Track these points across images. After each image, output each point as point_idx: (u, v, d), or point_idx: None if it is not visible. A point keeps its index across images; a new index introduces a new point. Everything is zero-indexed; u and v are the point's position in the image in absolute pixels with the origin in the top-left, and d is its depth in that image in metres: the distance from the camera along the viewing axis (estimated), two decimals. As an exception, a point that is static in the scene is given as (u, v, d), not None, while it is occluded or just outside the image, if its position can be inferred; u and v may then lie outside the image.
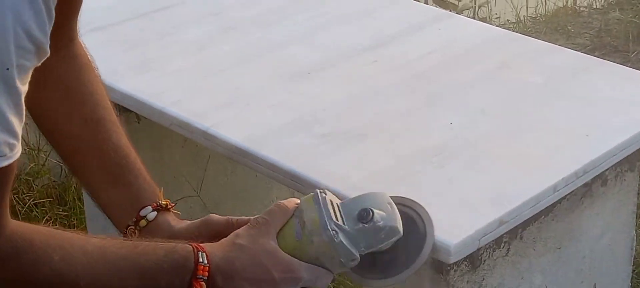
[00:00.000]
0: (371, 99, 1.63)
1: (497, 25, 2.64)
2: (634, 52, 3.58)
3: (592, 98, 1.62)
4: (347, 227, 1.17)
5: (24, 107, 0.97)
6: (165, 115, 1.63)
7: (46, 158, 2.51)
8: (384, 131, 1.54)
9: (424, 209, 1.25)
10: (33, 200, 2.43)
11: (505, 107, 1.60)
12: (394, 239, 1.19)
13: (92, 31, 1.90)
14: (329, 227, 1.16)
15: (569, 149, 1.47)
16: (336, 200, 1.20)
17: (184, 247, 1.13)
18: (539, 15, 4.00)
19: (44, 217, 2.39)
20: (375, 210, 1.18)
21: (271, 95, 1.66)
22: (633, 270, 1.76)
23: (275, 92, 1.67)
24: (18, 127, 0.97)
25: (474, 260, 1.35)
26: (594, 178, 1.49)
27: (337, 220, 1.17)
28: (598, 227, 1.57)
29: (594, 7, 4.06)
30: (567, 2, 4.08)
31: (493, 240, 1.35)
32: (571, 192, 1.45)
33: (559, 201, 1.44)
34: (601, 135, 1.50)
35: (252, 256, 1.14)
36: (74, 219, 2.39)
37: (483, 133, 1.52)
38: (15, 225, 1.03)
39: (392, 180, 1.40)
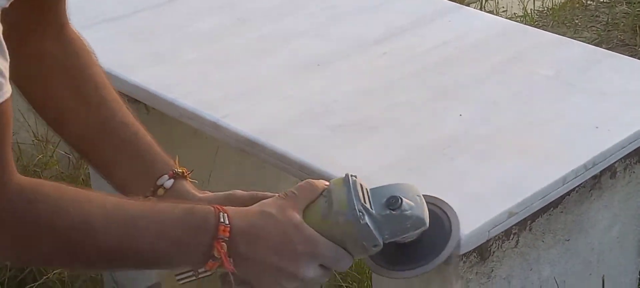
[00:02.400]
0: (382, 91, 1.64)
1: (504, 19, 2.65)
2: (641, 46, 3.58)
3: (602, 91, 1.62)
4: (374, 211, 1.17)
5: (4, 46, 0.95)
6: (175, 107, 1.64)
7: (54, 150, 2.51)
8: (394, 123, 1.55)
9: (452, 209, 1.24)
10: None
11: (516, 99, 1.61)
12: (419, 231, 1.19)
13: (102, 22, 1.91)
14: (356, 208, 1.15)
15: (579, 141, 1.48)
16: (366, 185, 1.20)
17: (204, 207, 1.12)
18: (545, 8, 4.00)
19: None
20: (404, 199, 1.18)
21: (282, 87, 1.67)
22: (641, 263, 1.77)
23: (286, 84, 1.68)
24: (3, 66, 0.95)
25: (483, 251, 1.36)
26: (603, 170, 1.50)
27: (365, 203, 1.17)
28: (607, 219, 1.58)
29: (601, 0, 4.06)
30: (574, -6, 4.07)
31: (502, 232, 1.36)
32: (580, 184, 1.46)
33: (568, 193, 1.45)
34: (611, 128, 1.51)
35: (278, 226, 1.13)
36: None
37: (493, 125, 1.53)
38: (25, 179, 1.01)
39: (403, 172, 1.41)
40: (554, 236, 1.48)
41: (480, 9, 3.81)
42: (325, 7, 1.96)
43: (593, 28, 3.79)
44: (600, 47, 3.22)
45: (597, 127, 1.51)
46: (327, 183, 1.20)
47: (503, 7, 3.99)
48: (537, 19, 3.88)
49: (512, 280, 1.42)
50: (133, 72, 1.72)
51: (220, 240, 1.10)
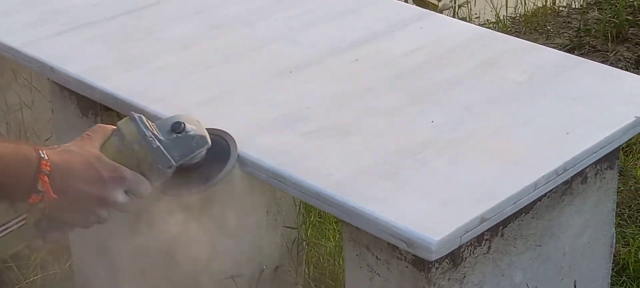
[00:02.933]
0: (355, 97, 1.64)
1: (477, 25, 2.66)
2: (613, 52, 3.62)
3: (573, 96, 1.63)
4: (162, 137, 1.34)
5: None
6: (147, 113, 1.63)
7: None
8: (367, 128, 1.55)
9: (230, 135, 1.44)
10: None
11: (488, 104, 1.62)
12: (204, 149, 1.37)
13: (77, 28, 1.90)
14: (147, 135, 1.32)
15: (550, 147, 1.49)
16: (150, 121, 1.36)
17: (27, 146, 1.26)
18: (518, 15, 4.03)
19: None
20: (186, 123, 1.36)
21: (255, 92, 1.67)
22: (612, 268, 1.78)
23: (259, 90, 1.68)
24: None
25: (455, 257, 1.36)
26: (574, 176, 1.51)
27: (154, 131, 1.34)
28: (578, 225, 1.59)
29: (573, 6, 4.09)
30: (546, 2, 4.10)
31: (474, 238, 1.36)
32: (552, 190, 1.46)
33: (540, 198, 1.46)
34: (581, 133, 1.52)
35: (82, 159, 1.27)
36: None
37: (466, 130, 1.53)
38: None
39: (375, 176, 1.41)
40: (526, 241, 1.49)
41: (454, 16, 3.83)
42: (299, 13, 1.96)
43: (565, 34, 3.82)
44: (573, 53, 3.25)
45: (568, 133, 1.52)
46: (116, 126, 1.35)
47: (476, 13, 4.01)
48: (510, 26, 3.90)
49: (484, 286, 1.43)
50: (105, 79, 1.71)
51: (43, 174, 1.22)
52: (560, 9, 4.08)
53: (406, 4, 2.44)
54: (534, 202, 1.45)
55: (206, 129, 1.40)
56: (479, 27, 1.99)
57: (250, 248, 2.06)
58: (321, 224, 2.42)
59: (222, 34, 1.89)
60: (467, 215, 1.32)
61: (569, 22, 3.94)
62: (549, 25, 3.89)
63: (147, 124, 1.34)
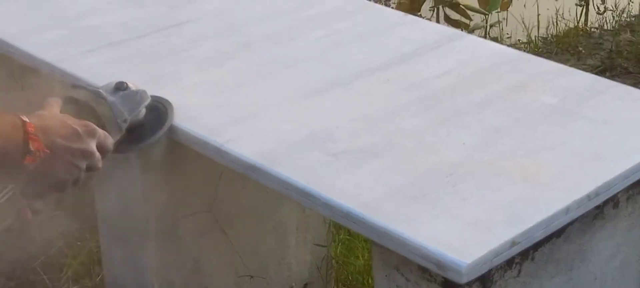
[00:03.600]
0: (385, 117, 1.64)
1: (508, 45, 2.65)
2: (645, 74, 3.59)
3: (605, 119, 1.62)
4: (112, 97, 1.51)
5: None
6: (179, 131, 1.65)
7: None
8: (397, 149, 1.54)
9: (168, 100, 1.64)
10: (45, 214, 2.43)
11: (519, 127, 1.61)
12: (146, 103, 1.57)
13: (106, 46, 1.92)
14: (101, 93, 1.49)
15: (582, 171, 1.48)
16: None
17: (8, 114, 1.32)
18: (549, 35, 4.01)
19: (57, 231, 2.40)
20: (127, 82, 1.54)
21: (285, 111, 1.67)
22: (643, 293, 1.76)
23: (290, 109, 1.68)
24: None
25: (485, 280, 1.35)
26: (606, 200, 1.49)
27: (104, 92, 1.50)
28: (609, 249, 1.57)
29: (605, 28, 4.07)
30: (578, 22, 4.08)
31: (505, 261, 1.35)
32: (583, 214, 1.45)
33: (571, 223, 1.45)
34: (614, 157, 1.51)
35: (56, 118, 1.38)
36: (87, 233, 2.40)
37: (496, 153, 1.53)
38: None
39: (405, 197, 1.41)
40: (557, 265, 1.47)
41: (485, 36, 3.82)
42: (329, 33, 1.97)
43: (597, 55, 3.80)
44: (604, 74, 3.23)
45: (600, 157, 1.51)
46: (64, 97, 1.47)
47: (508, 33, 4.00)
48: (542, 46, 3.89)
49: (514, 309, 1.42)
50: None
51: (31, 135, 1.30)
52: (592, 30, 4.06)
53: (437, 24, 2.45)
54: (566, 226, 1.44)
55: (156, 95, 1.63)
56: (510, 48, 1.98)
57: (279, 266, 2.06)
58: (351, 242, 2.41)
59: (253, 53, 1.89)
60: (498, 239, 1.32)
61: (600, 44, 3.92)
62: (581, 47, 3.87)
63: (94, 86, 1.52)
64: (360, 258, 2.37)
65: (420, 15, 3.61)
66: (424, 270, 1.34)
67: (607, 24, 4.09)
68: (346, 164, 1.51)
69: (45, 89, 1.57)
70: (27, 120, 1.31)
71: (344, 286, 2.29)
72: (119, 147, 1.52)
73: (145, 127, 1.60)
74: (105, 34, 1.97)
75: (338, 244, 2.35)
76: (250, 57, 1.88)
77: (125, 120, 1.52)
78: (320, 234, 2.13)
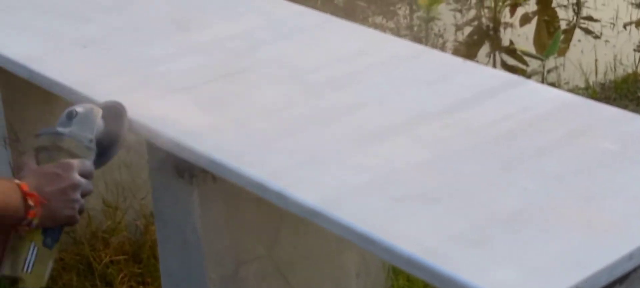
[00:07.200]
0: (445, 163, 1.65)
1: (566, 91, 2.65)
2: None
3: (668, 166, 1.61)
4: (68, 128, 1.62)
5: None
6: (241, 175, 1.67)
7: (123, 216, 2.56)
8: (458, 195, 1.55)
9: (112, 100, 1.79)
10: (109, 257, 2.47)
11: (579, 173, 1.61)
12: (100, 116, 1.69)
13: (171, 93, 1.95)
14: (59, 131, 1.62)
15: (645, 217, 1.47)
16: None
17: (5, 179, 1.52)
18: (607, 80, 3.99)
19: (119, 274, 2.44)
20: (75, 108, 1.66)
21: (346, 156, 1.69)
22: None
23: (350, 154, 1.70)
24: None
25: (547, 326, 1.35)
26: (670, 246, 1.48)
27: (61, 128, 1.62)
28: (673, 296, 1.56)
29: (665, 73, 4.03)
30: (636, 68, 4.05)
31: (567, 307, 1.35)
32: (646, 261, 1.44)
33: (635, 269, 1.44)
34: (677, 204, 1.50)
35: (35, 173, 1.54)
36: (148, 277, 2.43)
37: (557, 199, 1.53)
38: None
39: (465, 243, 1.41)
40: (619, 312, 1.46)
41: (542, 81, 3.81)
42: (388, 79, 1.98)
43: (656, 101, 3.76)
44: (664, 120, 3.18)
45: (663, 203, 1.50)
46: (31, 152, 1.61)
47: (565, 79, 3.99)
48: (600, 92, 3.86)
49: None
50: (201, 142, 1.76)
51: (27, 193, 1.49)
52: (651, 75, 4.03)
53: (495, 70, 2.45)
54: (629, 273, 1.43)
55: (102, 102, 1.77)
56: (569, 93, 1.98)
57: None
58: (410, 287, 2.41)
59: (314, 99, 1.91)
60: (560, 285, 1.31)
61: (660, 89, 3.88)
62: (640, 92, 3.84)
63: (48, 129, 1.63)
64: (420, 303, 2.37)
65: (476, 61, 3.61)
66: (486, 316, 1.34)
67: (666, 69, 4.06)
68: (407, 209, 1.52)
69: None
70: (19, 182, 1.50)
71: (403, 331, 2.29)
72: (99, 160, 1.67)
73: (111, 131, 1.72)
74: (171, 81, 2.01)
75: (397, 290, 2.35)
76: (311, 103, 1.90)
77: (90, 140, 1.64)
78: (380, 280, 2.13)
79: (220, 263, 1.84)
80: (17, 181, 1.50)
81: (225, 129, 1.80)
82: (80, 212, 1.57)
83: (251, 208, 1.89)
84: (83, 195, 1.57)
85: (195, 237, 1.85)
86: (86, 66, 2.10)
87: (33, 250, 1.53)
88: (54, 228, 1.55)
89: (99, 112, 1.70)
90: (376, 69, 2.03)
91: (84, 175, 1.58)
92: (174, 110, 1.89)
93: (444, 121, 1.80)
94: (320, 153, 1.71)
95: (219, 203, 1.84)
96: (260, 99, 1.92)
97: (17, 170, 1.59)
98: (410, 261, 1.40)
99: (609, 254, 1.38)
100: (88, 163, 1.61)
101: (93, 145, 1.65)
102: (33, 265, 1.53)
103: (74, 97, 1.97)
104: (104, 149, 1.69)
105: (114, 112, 1.76)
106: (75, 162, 1.58)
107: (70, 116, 1.65)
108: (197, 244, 1.86)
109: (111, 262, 2.47)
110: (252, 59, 2.10)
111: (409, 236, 1.44)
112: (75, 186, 1.55)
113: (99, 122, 1.69)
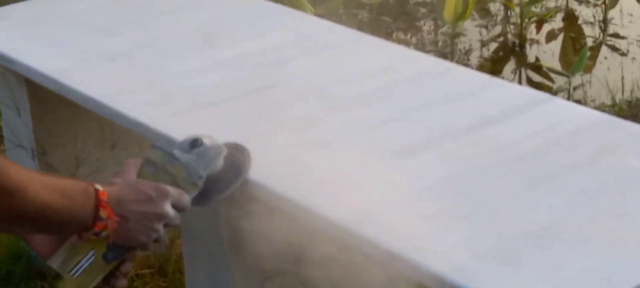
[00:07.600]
0: (473, 179, 1.65)
1: (592, 108, 2.64)
2: None
3: (697, 184, 1.61)
4: (186, 155, 1.53)
5: None
6: (268, 190, 1.68)
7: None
8: (485, 211, 1.55)
9: (243, 146, 1.68)
10: (135, 271, 2.48)
11: (607, 191, 1.60)
12: (222, 156, 1.59)
13: (198, 108, 1.96)
14: (175, 154, 1.51)
15: (674, 235, 1.46)
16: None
17: (82, 181, 1.39)
18: (634, 98, 3.97)
19: (145, 288, 2.45)
20: (201, 138, 1.56)
21: (374, 172, 1.69)
22: None
23: (378, 170, 1.70)
24: None
25: (575, 345, 1.34)
26: (700, 265, 1.47)
27: (179, 152, 1.53)
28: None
29: (692, 91, 4.01)
30: (663, 85, 4.03)
31: (597, 326, 1.34)
32: (677, 279, 1.43)
33: (664, 287, 1.43)
34: None
35: (129, 185, 1.44)
36: (174, 291, 2.45)
37: (585, 216, 1.52)
38: None
39: (494, 260, 1.41)
40: (650, 331, 1.45)
41: (568, 98, 3.80)
42: (415, 95, 1.99)
43: (683, 119, 3.74)
44: (692, 138, 3.16)
45: (692, 221, 1.49)
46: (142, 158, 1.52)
47: (591, 96, 3.97)
48: (626, 109, 3.84)
49: None
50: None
51: (102, 202, 1.37)
52: (678, 92, 4.00)
53: (522, 87, 2.45)
54: (658, 291, 1.42)
55: (224, 143, 1.64)
56: (595, 111, 1.98)
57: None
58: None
59: (341, 114, 1.92)
60: (589, 303, 1.31)
61: (686, 107, 3.86)
62: (666, 110, 3.82)
63: (170, 148, 1.54)
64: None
65: (502, 77, 3.61)
66: (513, 333, 1.34)
67: (693, 86, 4.03)
68: (435, 226, 1.52)
69: (135, 148, 1.63)
70: (100, 188, 1.39)
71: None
72: (197, 200, 1.55)
73: (223, 178, 1.61)
74: (197, 96, 2.02)
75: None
76: (338, 118, 1.90)
77: (200, 177, 1.53)
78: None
79: (246, 278, 1.85)
80: (98, 186, 1.39)
81: (252, 145, 1.81)
82: (156, 241, 1.46)
83: (278, 223, 1.89)
84: (166, 226, 1.46)
85: (222, 251, 1.86)
86: (114, 80, 2.12)
87: (90, 257, 1.43)
88: (120, 246, 1.44)
89: (222, 152, 1.61)
90: (403, 85, 2.04)
91: (177, 208, 1.47)
92: (200, 125, 1.89)
93: (471, 138, 1.80)
94: (347, 169, 1.71)
95: (245, 217, 1.84)
96: (287, 114, 1.93)
97: (114, 172, 1.49)
98: (439, 278, 1.40)
99: (637, 272, 1.37)
100: (186, 199, 1.50)
101: (201, 183, 1.54)
102: (83, 271, 1.43)
103: (102, 111, 1.98)
104: (209, 191, 1.57)
105: (238, 159, 1.66)
106: (174, 191, 1.47)
107: (194, 144, 1.55)
108: (224, 258, 1.86)
109: (137, 275, 2.48)
110: (280, 75, 2.11)
111: (437, 253, 1.44)
112: (161, 216, 1.44)
113: (219, 162, 1.59)
